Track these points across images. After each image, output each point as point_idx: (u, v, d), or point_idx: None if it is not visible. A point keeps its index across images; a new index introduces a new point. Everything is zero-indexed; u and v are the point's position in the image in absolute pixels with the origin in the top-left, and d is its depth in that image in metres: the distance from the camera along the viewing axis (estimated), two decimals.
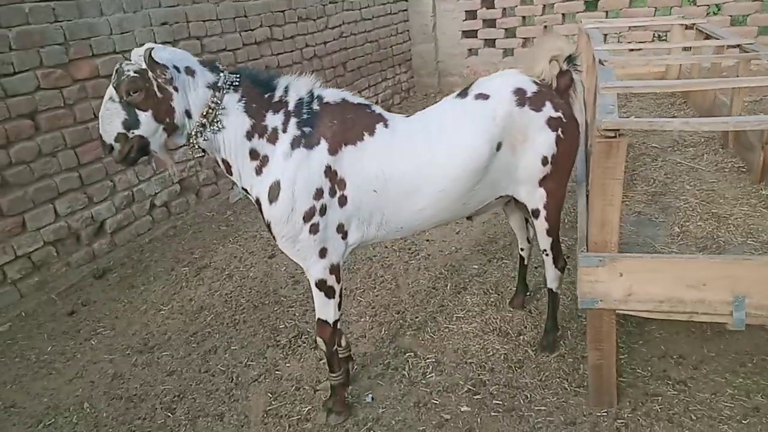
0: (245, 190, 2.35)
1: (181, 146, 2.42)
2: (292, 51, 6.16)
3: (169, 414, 2.72)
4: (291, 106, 2.26)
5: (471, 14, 8.31)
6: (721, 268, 2.08)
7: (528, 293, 3.27)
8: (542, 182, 2.44)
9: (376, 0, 7.66)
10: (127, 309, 3.72)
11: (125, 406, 2.80)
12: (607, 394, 2.47)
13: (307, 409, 2.65)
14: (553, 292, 2.80)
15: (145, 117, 2.10)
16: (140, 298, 3.83)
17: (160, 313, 3.62)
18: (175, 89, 2.12)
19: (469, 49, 8.55)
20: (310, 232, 2.25)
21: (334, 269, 2.36)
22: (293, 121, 2.23)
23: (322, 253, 2.31)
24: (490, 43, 8.38)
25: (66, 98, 4.01)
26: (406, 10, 8.46)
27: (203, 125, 2.18)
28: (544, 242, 2.64)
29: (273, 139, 2.23)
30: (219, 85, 2.19)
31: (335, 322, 2.45)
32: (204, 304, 3.66)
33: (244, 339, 3.24)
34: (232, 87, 2.21)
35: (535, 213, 2.54)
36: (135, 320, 3.57)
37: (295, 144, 2.21)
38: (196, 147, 2.25)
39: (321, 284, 2.37)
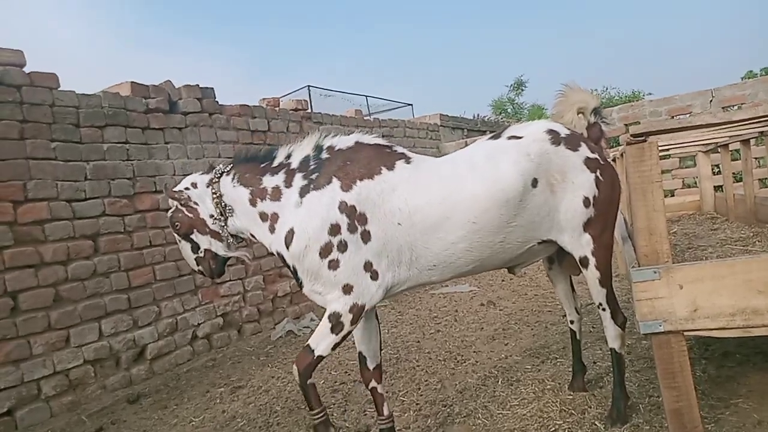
0: (276, 254, 2.39)
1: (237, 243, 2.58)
2: None
3: None
4: (294, 165, 2.38)
5: None
6: None
7: (587, 372, 2.93)
8: (587, 227, 2.33)
9: None
10: (156, 424, 3.49)
11: None
12: None
13: None
14: (616, 353, 2.50)
15: (196, 237, 2.47)
16: (171, 415, 3.61)
17: (190, 425, 3.38)
18: (196, 203, 2.44)
19: None
20: (330, 267, 2.20)
21: (355, 309, 2.21)
22: (298, 175, 2.33)
23: (347, 289, 2.21)
24: None
25: (126, 225, 4.34)
26: None
27: (222, 216, 2.42)
28: (598, 295, 2.44)
29: (276, 196, 2.33)
30: (212, 179, 2.45)
31: (319, 358, 2.23)
32: (236, 414, 3.41)
33: None
34: (223, 174, 2.45)
35: (584, 261, 2.38)
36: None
37: (303, 192, 2.28)
38: (229, 238, 2.47)
39: (333, 316, 2.22)
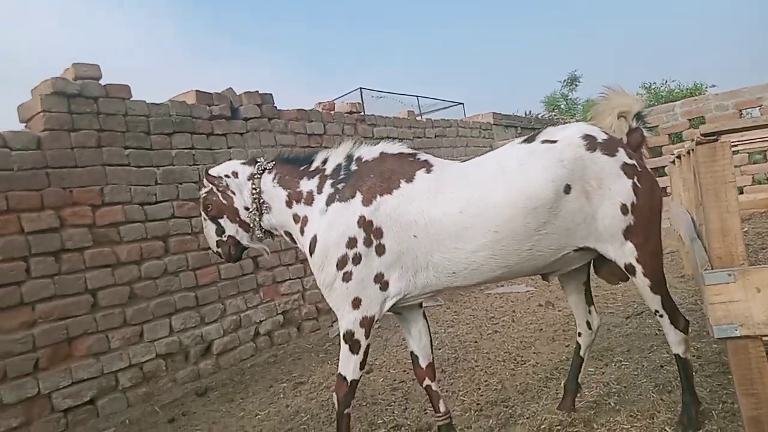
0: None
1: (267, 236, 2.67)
2: None
3: None
4: (328, 171, 2.46)
5: None
6: None
7: (579, 394, 2.79)
8: (627, 235, 2.22)
9: None
10: (224, 416, 3.65)
11: None
12: None
13: None
14: (681, 358, 2.36)
15: (224, 222, 2.58)
16: (238, 408, 3.77)
17: (256, 418, 3.51)
18: (233, 193, 2.55)
19: None
20: (343, 279, 2.28)
21: (365, 322, 2.29)
22: (329, 182, 2.42)
23: (356, 303, 2.29)
24: None
25: (194, 227, 4.54)
26: None
27: (258, 211, 2.52)
28: (652, 302, 2.32)
29: (309, 200, 2.43)
30: (254, 173, 2.55)
31: (353, 382, 2.32)
32: (300, 409, 3.52)
33: None
34: (265, 171, 2.55)
35: (630, 269, 2.27)
36: (231, 424, 3.49)
37: (329, 201, 2.37)
38: (261, 232, 2.58)
39: (348, 336, 2.31)
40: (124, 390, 3.90)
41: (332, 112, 6.18)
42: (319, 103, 6.23)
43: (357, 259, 2.27)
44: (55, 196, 3.71)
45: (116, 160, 4.09)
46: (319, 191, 2.42)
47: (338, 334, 5.38)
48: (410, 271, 2.29)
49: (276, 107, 5.42)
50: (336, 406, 2.36)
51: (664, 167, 8.08)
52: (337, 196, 2.36)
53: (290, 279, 5.27)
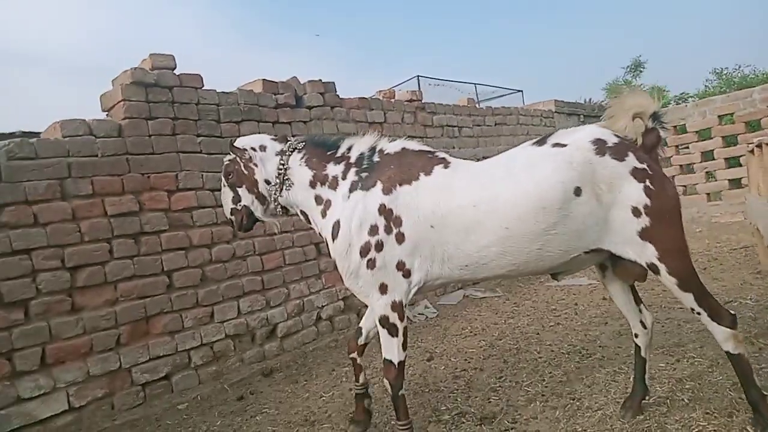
0: (323, 238, 2.64)
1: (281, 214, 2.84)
2: None
3: None
4: (353, 159, 2.58)
5: None
6: None
7: (647, 396, 2.69)
8: (644, 236, 2.21)
9: None
10: (290, 396, 3.77)
11: None
12: None
13: None
14: (732, 355, 2.25)
15: (242, 191, 2.73)
16: (303, 389, 3.88)
17: (321, 399, 3.62)
18: (255, 165, 2.69)
19: None
20: (368, 267, 2.40)
21: (396, 306, 2.41)
22: (353, 170, 2.54)
23: (383, 289, 2.41)
24: None
25: None
26: None
27: (278, 186, 2.67)
28: (685, 300, 2.26)
29: (334, 185, 2.56)
30: (284, 150, 2.70)
31: (401, 363, 2.46)
32: None
33: None
34: (295, 150, 2.69)
35: (654, 269, 2.25)
36: (297, 404, 3.60)
37: (353, 188, 2.49)
38: (278, 207, 2.73)
39: (384, 321, 2.43)
40: (195, 367, 4.09)
41: (392, 100, 6.19)
42: (380, 91, 6.26)
43: (379, 246, 2.39)
44: (134, 181, 3.91)
45: (189, 147, 4.26)
46: (344, 177, 2.55)
47: None
48: (428, 260, 2.39)
49: (338, 95, 5.49)
50: (390, 390, 2.50)
51: (739, 157, 7.67)
52: (360, 185, 2.48)
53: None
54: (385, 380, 2.50)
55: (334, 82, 5.45)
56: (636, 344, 2.66)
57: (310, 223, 2.74)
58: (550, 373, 3.40)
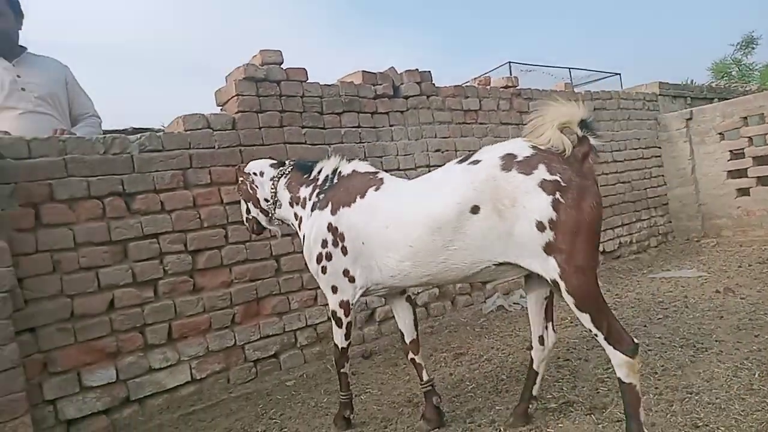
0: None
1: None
2: None
3: None
4: (319, 182, 3.02)
5: (736, 154, 7.77)
6: None
7: (533, 405, 2.83)
8: (549, 250, 2.18)
9: (628, 145, 7.75)
10: (391, 378, 3.89)
11: None
12: None
13: None
14: (623, 382, 2.21)
15: (250, 206, 3.38)
16: (403, 372, 3.98)
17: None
18: (257, 186, 3.29)
19: (738, 189, 7.84)
20: (322, 272, 2.87)
21: (344, 304, 2.86)
22: (316, 191, 2.99)
23: (334, 290, 2.87)
24: (765, 180, 7.59)
25: None
26: (659, 156, 8.33)
27: (273, 205, 3.24)
28: (583, 320, 2.23)
29: (304, 204, 3.06)
30: (275, 176, 3.23)
31: (344, 348, 2.94)
32: (464, 378, 3.64)
33: (509, 403, 3.07)
34: (283, 176, 3.21)
35: (555, 285, 2.23)
36: (399, 386, 3.70)
37: (314, 208, 2.95)
38: (275, 220, 3.34)
39: (333, 315, 2.92)
40: (301, 347, 4.32)
41: (488, 87, 6.12)
42: (475, 78, 6.21)
43: (329, 257, 2.84)
44: None
45: (295, 138, 4.47)
46: (310, 198, 3.02)
47: (491, 311, 5.43)
48: (366, 270, 2.75)
49: (434, 84, 5.51)
50: (335, 366, 3.04)
51: None
52: (318, 205, 2.92)
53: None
54: (333, 358, 3.15)
55: (430, 71, 5.48)
56: (531, 356, 2.77)
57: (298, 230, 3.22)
58: (662, 366, 3.26)
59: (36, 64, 3.96)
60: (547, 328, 2.70)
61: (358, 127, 4.90)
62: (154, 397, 3.64)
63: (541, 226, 2.18)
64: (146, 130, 4.15)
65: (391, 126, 5.15)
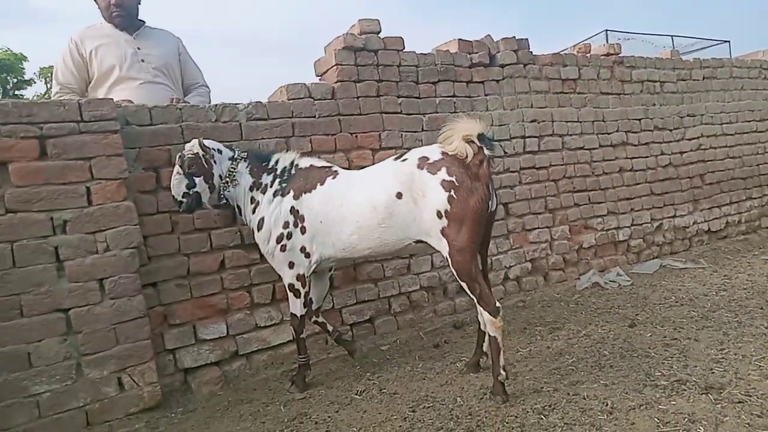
0: (246, 225, 3.58)
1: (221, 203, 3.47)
2: (647, 157, 6.12)
3: (542, 417, 2.63)
4: (278, 171, 3.41)
5: None
6: None
7: (484, 357, 3.36)
8: (443, 234, 2.87)
9: (740, 117, 7.16)
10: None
11: (495, 406, 2.84)
12: None
13: None
14: (489, 335, 2.98)
15: (198, 180, 3.28)
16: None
17: (518, 354, 3.66)
18: (215, 162, 3.34)
19: None
20: (281, 250, 3.29)
21: (300, 277, 3.31)
22: (277, 180, 3.38)
23: (291, 265, 3.30)
24: None
25: None
26: None
27: (227, 183, 3.38)
28: (464, 287, 2.94)
29: (264, 190, 3.38)
30: (235, 157, 3.43)
31: (302, 316, 3.38)
32: (563, 351, 3.57)
33: (614, 378, 2.99)
34: (242, 159, 3.43)
35: (446, 260, 2.96)
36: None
37: (276, 194, 3.33)
38: (223, 198, 3.41)
39: (291, 287, 3.34)
40: (394, 314, 4.40)
41: (588, 55, 5.83)
42: (574, 45, 5.93)
43: (289, 236, 3.27)
44: (344, 140, 4.25)
45: (391, 108, 4.49)
46: (271, 185, 3.35)
47: (586, 288, 5.28)
48: (321, 245, 3.24)
49: (531, 52, 5.32)
50: (294, 333, 3.46)
51: None
52: (281, 192, 3.32)
53: (539, 228, 5.27)
54: (290, 326, 3.51)
55: (527, 39, 5.29)
56: (479, 319, 3.20)
57: (240, 215, 3.52)
58: None
59: (153, 36, 4.21)
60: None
61: (453, 96, 4.84)
62: (260, 352, 3.85)
63: (439, 215, 2.85)
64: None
65: (486, 95, 5.05)
